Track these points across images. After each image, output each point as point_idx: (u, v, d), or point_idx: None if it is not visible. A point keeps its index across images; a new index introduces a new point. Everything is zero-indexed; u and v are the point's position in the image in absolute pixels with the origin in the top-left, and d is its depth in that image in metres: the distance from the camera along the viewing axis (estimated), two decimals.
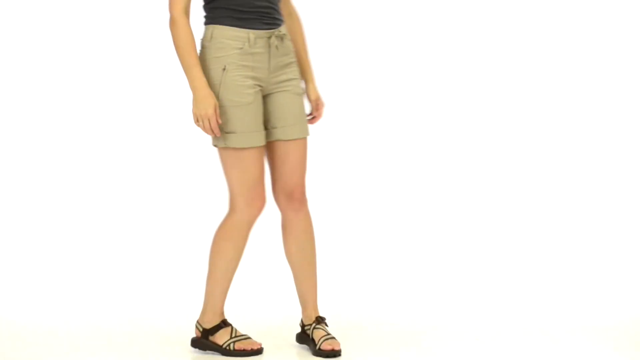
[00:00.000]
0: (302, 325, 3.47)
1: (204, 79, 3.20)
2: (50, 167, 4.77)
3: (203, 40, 3.29)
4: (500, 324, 3.71)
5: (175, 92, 4.73)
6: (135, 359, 3.35)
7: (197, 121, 3.23)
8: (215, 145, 3.31)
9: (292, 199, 3.36)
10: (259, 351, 3.39)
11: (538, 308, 3.91)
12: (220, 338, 3.41)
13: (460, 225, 4.69)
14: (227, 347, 3.39)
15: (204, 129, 3.23)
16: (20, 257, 4.49)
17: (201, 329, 3.44)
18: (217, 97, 3.23)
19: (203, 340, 3.43)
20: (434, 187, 4.80)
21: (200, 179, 4.79)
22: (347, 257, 4.45)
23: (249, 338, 3.42)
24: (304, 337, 3.47)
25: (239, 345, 3.38)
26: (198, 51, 3.26)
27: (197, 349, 3.44)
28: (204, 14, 3.32)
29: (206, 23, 3.30)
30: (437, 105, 4.85)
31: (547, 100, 4.83)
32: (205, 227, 4.68)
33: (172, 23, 3.22)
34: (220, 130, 3.23)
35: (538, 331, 3.61)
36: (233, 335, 3.41)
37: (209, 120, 3.20)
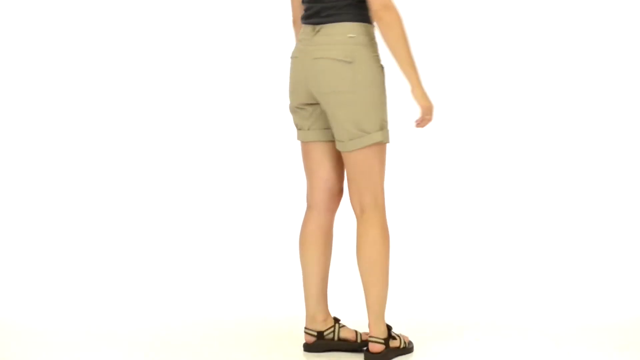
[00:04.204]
0: (320, 332, 3.37)
1: None
2: (51, 167, 4.78)
3: (358, 37, 3.09)
4: (500, 324, 3.71)
5: (177, 92, 4.75)
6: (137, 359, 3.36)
7: (428, 113, 3.12)
8: None
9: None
10: None
11: (538, 308, 3.91)
12: None
13: (460, 225, 4.70)
14: None
15: (429, 120, 3.13)
16: (20, 257, 4.50)
17: None
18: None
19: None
20: (433, 187, 4.81)
21: (202, 179, 4.80)
22: (347, 260, 4.45)
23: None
24: (323, 344, 3.37)
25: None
26: (353, 47, 3.07)
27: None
28: (355, 11, 3.09)
29: (361, 20, 3.10)
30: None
31: (550, 102, 4.85)
32: (207, 227, 4.70)
33: (390, 9, 2.98)
34: None
35: (538, 331, 3.62)
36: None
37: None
